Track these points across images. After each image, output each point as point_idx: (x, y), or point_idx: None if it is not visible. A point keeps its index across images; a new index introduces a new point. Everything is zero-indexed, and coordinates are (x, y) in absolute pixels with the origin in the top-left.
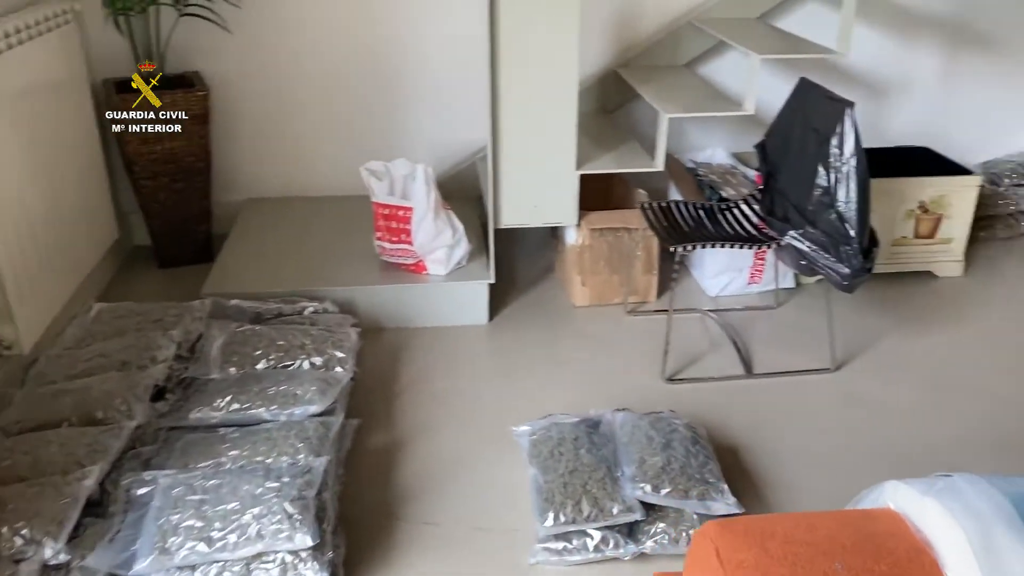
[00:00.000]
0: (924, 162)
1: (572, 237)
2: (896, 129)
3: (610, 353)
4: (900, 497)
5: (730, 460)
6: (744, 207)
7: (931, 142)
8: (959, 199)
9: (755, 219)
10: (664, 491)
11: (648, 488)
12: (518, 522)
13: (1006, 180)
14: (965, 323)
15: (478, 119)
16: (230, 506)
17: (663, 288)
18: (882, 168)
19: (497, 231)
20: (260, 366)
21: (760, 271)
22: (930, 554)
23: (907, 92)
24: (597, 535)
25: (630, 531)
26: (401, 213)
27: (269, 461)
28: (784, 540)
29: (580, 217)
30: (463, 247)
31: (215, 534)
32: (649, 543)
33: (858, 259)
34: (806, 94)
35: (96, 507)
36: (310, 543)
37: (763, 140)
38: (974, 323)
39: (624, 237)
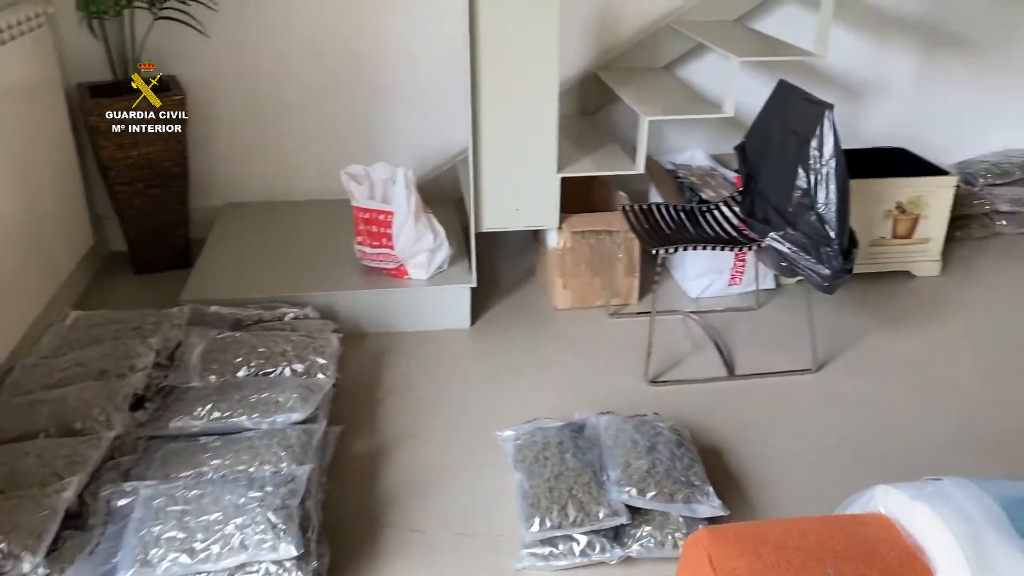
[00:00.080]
0: (901, 163)
1: (553, 240)
2: (873, 130)
3: (593, 356)
4: (890, 502)
5: (714, 462)
6: (725, 209)
7: (907, 143)
8: (936, 199)
9: (736, 221)
10: (650, 494)
11: (634, 492)
12: (503, 527)
13: (981, 180)
14: (943, 322)
15: (458, 122)
16: (212, 516)
17: (644, 290)
18: (859, 169)
19: (478, 234)
20: (241, 374)
21: (741, 272)
22: (921, 558)
23: (883, 93)
24: (583, 539)
25: (616, 535)
26: (382, 217)
27: (252, 470)
28: (776, 546)
29: (561, 220)
30: (444, 251)
31: (197, 545)
32: (635, 547)
33: (838, 260)
34: (785, 96)
35: (75, 519)
36: (294, 553)
37: (743, 142)
38: (952, 322)
39: (606, 240)
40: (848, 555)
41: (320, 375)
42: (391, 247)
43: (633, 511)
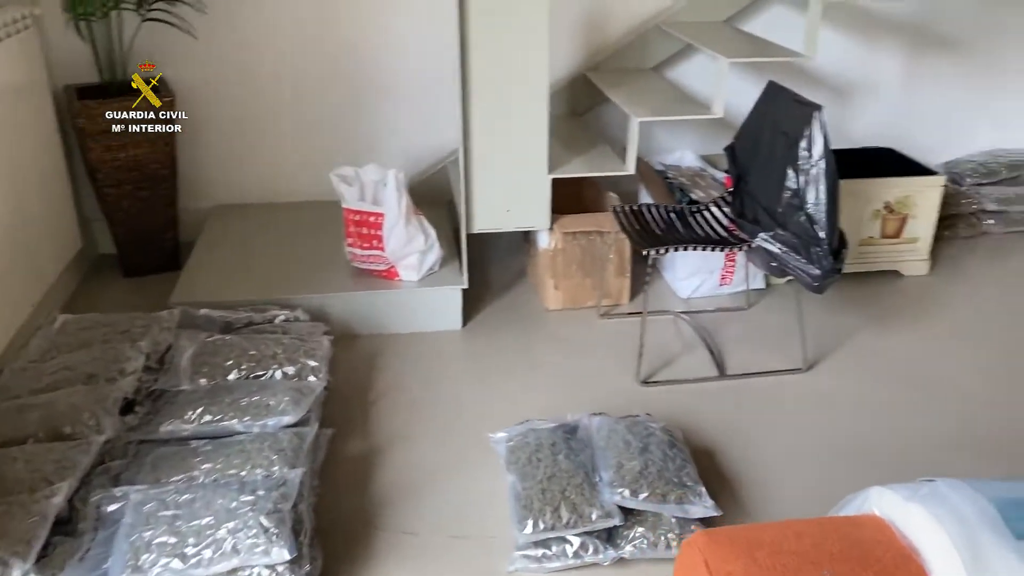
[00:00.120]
0: (888, 163)
1: (544, 241)
2: (861, 130)
3: (584, 356)
4: (885, 503)
5: (706, 462)
6: (715, 209)
7: (895, 143)
8: (924, 199)
9: (725, 221)
10: (642, 495)
11: (627, 493)
12: (496, 529)
13: (968, 180)
14: (932, 321)
15: (447, 123)
16: (204, 521)
17: (635, 291)
18: (848, 169)
19: (469, 236)
20: (231, 377)
21: (731, 273)
22: (916, 560)
23: (871, 94)
24: (576, 541)
25: (609, 536)
26: (372, 219)
27: (243, 474)
28: (772, 550)
29: (552, 221)
30: (435, 252)
31: (189, 550)
32: (628, 548)
33: (828, 260)
34: (774, 97)
35: (65, 525)
36: (287, 557)
37: (732, 143)
38: (940, 321)
39: (596, 240)
40: (843, 557)
41: (311, 378)
42: (382, 249)
43: (626, 512)
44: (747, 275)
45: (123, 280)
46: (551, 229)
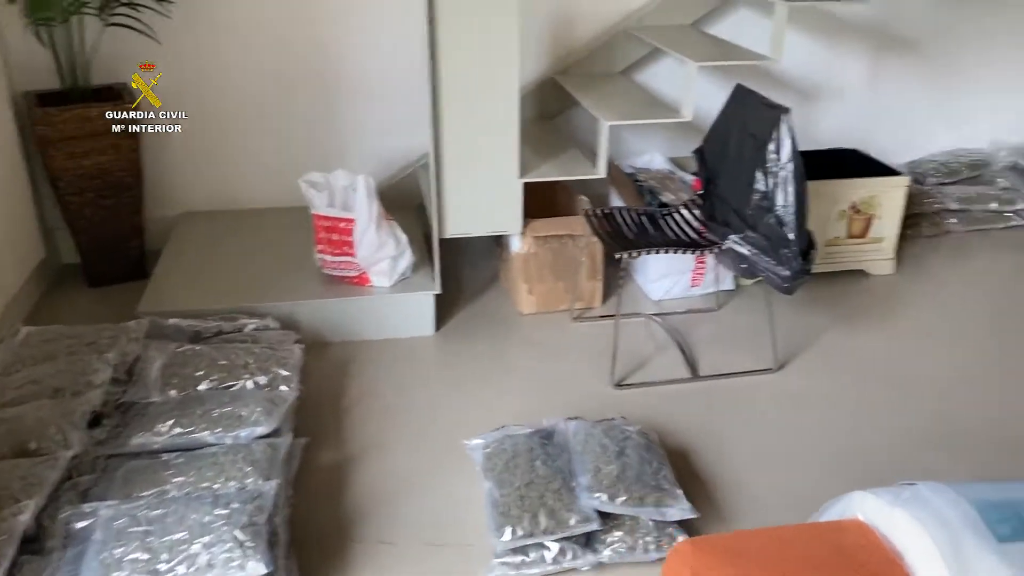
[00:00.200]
0: (853, 163)
1: (517, 245)
2: (826, 132)
3: (559, 360)
4: (868, 508)
5: (681, 464)
6: (685, 212)
7: (859, 144)
8: (889, 199)
9: (696, 224)
10: (620, 500)
11: (604, 497)
12: (473, 537)
13: (930, 179)
14: (899, 320)
15: (416, 127)
16: (177, 536)
17: (607, 293)
18: (814, 170)
19: (441, 241)
20: (202, 387)
21: (701, 274)
22: (900, 564)
23: (836, 96)
24: (555, 547)
25: (587, 541)
26: (343, 225)
27: (217, 487)
28: (758, 558)
29: (524, 225)
30: (407, 258)
31: (162, 566)
32: (607, 552)
33: (798, 261)
34: (742, 100)
35: (32, 543)
36: (263, 571)
37: (701, 146)
38: (907, 319)
39: (568, 244)
40: (829, 563)
41: (283, 387)
42: (352, 255)
43: (604, 516)
44: (717, 276)
45: (88, 290)
46: (523, 233)
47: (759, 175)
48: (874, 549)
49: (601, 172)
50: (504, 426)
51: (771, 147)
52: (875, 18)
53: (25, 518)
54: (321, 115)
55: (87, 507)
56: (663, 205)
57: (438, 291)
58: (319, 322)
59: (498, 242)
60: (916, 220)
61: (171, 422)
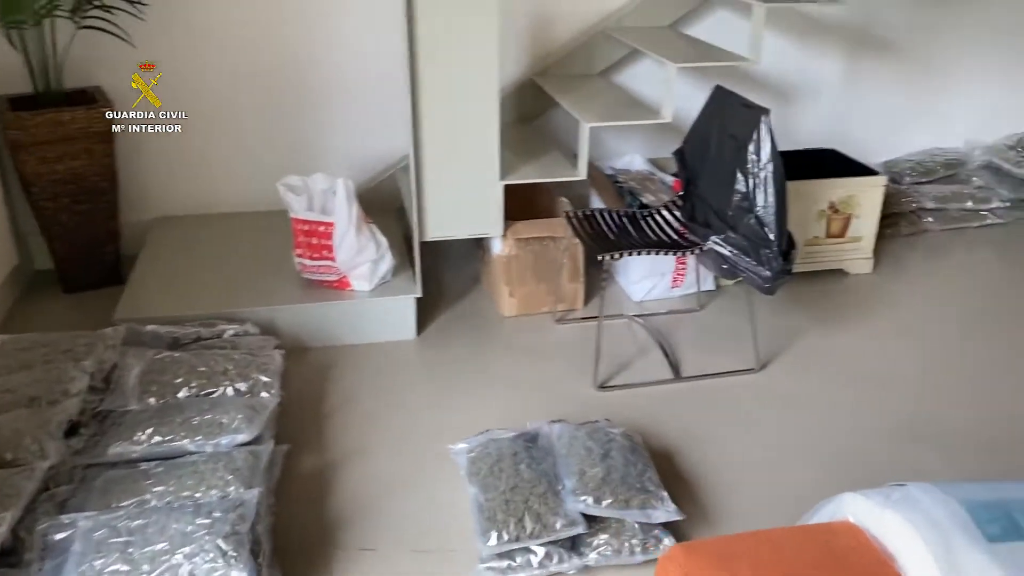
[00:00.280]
0: (831, 163)
1: (498, 247)
2: (804, 132)
3: (541, 363)
4: (859, 510)
5: (666, 465)
6: (666, 213)
7: (837, 144)
8: (867, 199)
9: (677, 225)
10: (606, 502)
11: (590, 500)
12: (458, 542)
13: (907, 178)
14: (878, 318)
15: (395, 129)
16: (158, 547)
17: (590, 295)
18: (793, 170)
19: (422, 244)
20: (181, 395)
21: (682, 275)
22: (892, 566)
23: (813, 96)
24: (541, 551)
25: (573, 544)
26: (322, 229)
27: (198, 496)
28: (751, 562)
29: (505, 227)
30: (388, 261)
31: None
32: (593, 555)
33: (778, 261)
34: (722, 101)
35: (9, 556)
36: None
37: (681, 147)
38: (886, 318)
39: (550, 246)
40: (821, 566)
41: (264, 393)
42: (332, 259)
43: (589, 519)
44: (698, 277)
45: (63, 297)
46: (504, 236)
47: (739, 176)
48: (865, 551)
49: (582, 174)
50: (488, 430)
51: (751, 148)
52: (851, 19)
53: (2, 531)
54: (299, 118)
55: (65, 518)
56: (644, 206)
57: (419, 294)
58: (299, 327)
59: (479, 245)
60: (894, 219)
61: (150, 430)
